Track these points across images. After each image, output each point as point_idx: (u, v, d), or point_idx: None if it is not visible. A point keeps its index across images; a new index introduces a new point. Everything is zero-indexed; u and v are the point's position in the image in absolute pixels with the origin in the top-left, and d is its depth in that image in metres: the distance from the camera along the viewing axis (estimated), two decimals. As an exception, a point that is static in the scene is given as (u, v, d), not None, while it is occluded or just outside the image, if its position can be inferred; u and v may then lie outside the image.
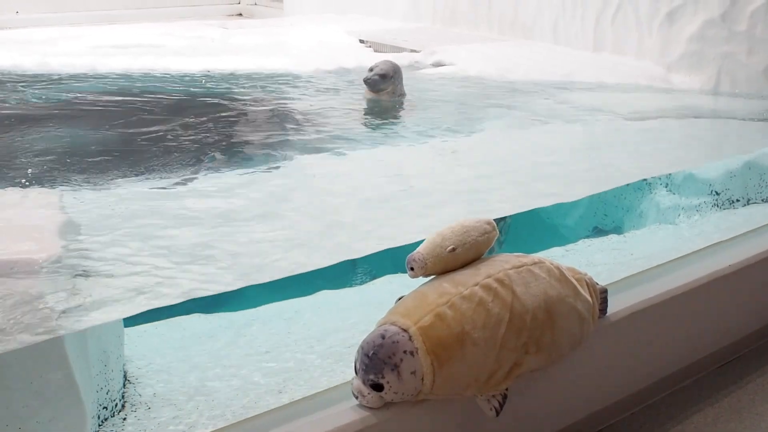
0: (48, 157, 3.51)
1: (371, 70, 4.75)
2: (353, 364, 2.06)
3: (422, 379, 1.99)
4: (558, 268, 2.31)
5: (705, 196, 3.92)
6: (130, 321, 2.47)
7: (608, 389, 2.73)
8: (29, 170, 3.27)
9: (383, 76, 4.68)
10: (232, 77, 5.39)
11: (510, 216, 3.62)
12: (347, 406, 2.06)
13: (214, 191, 3.14)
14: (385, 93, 4.72)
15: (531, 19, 6.78)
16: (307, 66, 5.68)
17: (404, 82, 4.85)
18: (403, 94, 4.82)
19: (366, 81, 4.71)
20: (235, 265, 2.43)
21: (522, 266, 2.22)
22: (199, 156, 3.64)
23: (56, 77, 5.25)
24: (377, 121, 4.67)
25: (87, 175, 3.22)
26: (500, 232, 3.67)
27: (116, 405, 2.21)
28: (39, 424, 1.93)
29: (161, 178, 3.23)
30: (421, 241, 2.19)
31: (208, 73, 5.42)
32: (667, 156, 3.96)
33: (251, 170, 3.49)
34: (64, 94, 4.83)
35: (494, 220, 2.28)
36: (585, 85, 5.28)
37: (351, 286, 3.23)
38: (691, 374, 3.02)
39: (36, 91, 4.88)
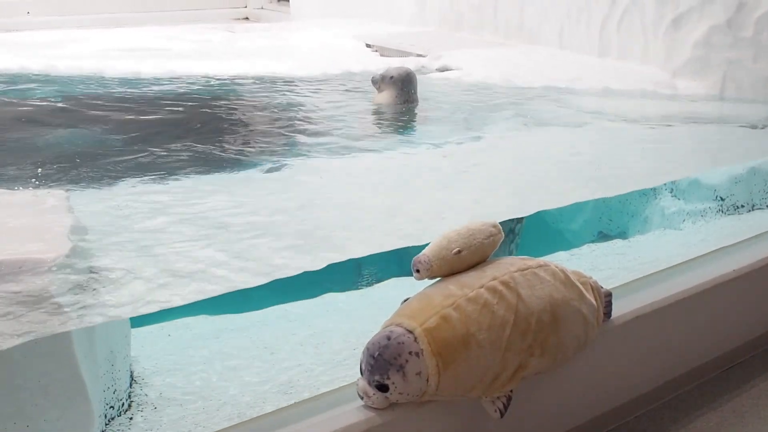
0: (56, 158, 3.54)
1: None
2: (359, 365, 2.07)
3: (427, 380, 2.00)
4: (563, 271, 2.33)
5: (710, 202, 3.93)
6: (137, 321, 2.49)
7: (612, 393, 2.73)
8: (38, 171, 3.29)
9: (383, 77, 4.73)
10: (238, 81, 5.42)
11: (522, 219, 3.63)
12: (352, 407, 2.07)
13: (217, 194, 3.15)
14: (394, 99, 4.70)
15: (537, 24, 6.79)
16: (313, 70, 5.71)
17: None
18: (414, 102, 4.79)
19: (372, 78, 4.84)
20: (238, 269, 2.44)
21: (527, 269, 2.23)
22: (206, 159, 3.67)
23: (63, 80, 5.28)
24: (379, 125, 4.67)
25: (95, 176, 3.24)
26: (516, 234, 3.69)
27: (123, 404, 2.22)
28: (46, 422, 1.94)
29: (168, 179, 3.25)
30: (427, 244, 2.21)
31: (215, 77, 5.45)
32: (668, 162, 3.96)
33: (255, 173, 3.51)
34: (71, 97, 4.86)
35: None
36: (590, 90, 5.29)
37: (356, 288, 3.24)
38: (694, 378, 3.02)
39: (43, 94, 4.90)
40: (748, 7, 5.13)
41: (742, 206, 3.92)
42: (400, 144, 4.15)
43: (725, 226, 3.73)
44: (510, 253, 3.65)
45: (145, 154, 3.71)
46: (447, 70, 5.90)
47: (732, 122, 4.77)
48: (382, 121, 4.70)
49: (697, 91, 5.34)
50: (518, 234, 3.84)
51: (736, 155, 4.15)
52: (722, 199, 3.91)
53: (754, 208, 3.95)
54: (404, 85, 4.73)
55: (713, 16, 5.29)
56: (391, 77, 4.74)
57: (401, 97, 4.71)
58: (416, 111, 4.76)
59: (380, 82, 4.76)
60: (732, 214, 3.90)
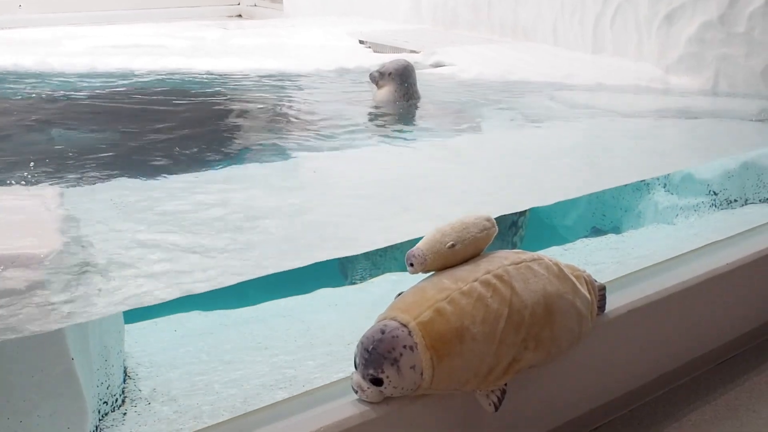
0: (49, 154, 3.53)
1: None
2: (353, 359, 2.07)
3: (422, 373, 2.01)
4: (557, 264, 2.33)
5: (703, 197, 3.94)
6: (131, 317, 2.48)
7: (606, 386, 2.74)
8: (30, 166, 3.28)
9: (381, 73, 4.69)
10: (232, 77, 5.41)
11: (526, 212, 3.63)
12: (347, 401, 2.08)
13: (217, 188, 3.15)
14: (394, 95, 4.65)
15: (531, 21, 6.80)
16: (307, 66, 5.70)
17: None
18: (415, 97, 4.73)
19: (370, 74, 4.77)
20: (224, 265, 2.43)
21: (521, 263, 2.23)
22: (200, 153, 3.66)
23: (56, 76, 5.27)
24: (371, 120, 4.65)
25: (88, 172, 3.23)
26: (519, 227, 3.69)
27: (116, 400, 2.21)
28: (40, 417, 1.94)
29: (161, 175, 3.24)
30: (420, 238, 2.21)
31: (209, 73, 5.43)
32: (662, 156, 3.97)
33: (254, 169, 3.51)
34: (64, 94, 4.85)
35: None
36: (584, 86, 5.29)
37: (351, 283, 3.24)
38: (688, 372, 3.04)
39: (36, 90, 4.89)
40: (741, 3, 5.13)
41: (735, 200, 3.94)
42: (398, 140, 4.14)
43: (718, 221, 3.74)
44: (513, 246, 3.65)
45: (140, 150, 3.70)
46: (440, 66, 5.89)
47: (725, 116, 4.77)
48: (382, 119, 4.67)
49: (690, 86, 5.35)
50: (521, 227, 3.84)
51: (727, 148, 4.16)
52: (715, 194, 3.92)
53: (747, 202, 3.96)
54: (403, 79, 4.65)
55: (706, 12, 5.29)
56: (390, 73, 4.68)
57: (401, 92, 4.65)
58: (417, 107, 4.71)
59: (378, 78, 4.70)
60: (725, 208, 3.91)
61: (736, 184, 3.93)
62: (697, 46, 5.37)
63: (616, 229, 4.07)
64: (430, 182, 3.43)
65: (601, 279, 2.63)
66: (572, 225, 4.27)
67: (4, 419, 1.90)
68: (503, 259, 2.22)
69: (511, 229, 3.64)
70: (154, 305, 2.17)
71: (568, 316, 2.27)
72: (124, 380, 2.32)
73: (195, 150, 3.75)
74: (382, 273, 3.30)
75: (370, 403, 2.05)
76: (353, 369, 2.08)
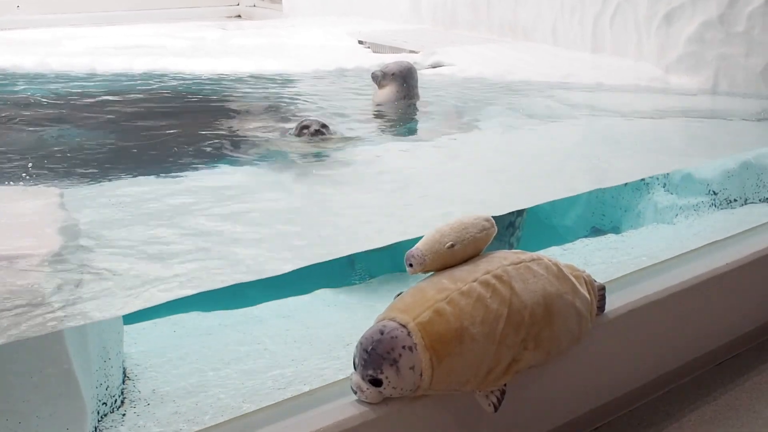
0: (48, 155, 3.53)
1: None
2: (352, 360, 2.06)
3: (421, 374, 2.00)
4: (556, 265, 2.33)
5: (702, 196, 3.93)
6: (130, 318, 2.48)
7: (606, 386, 2.74)
8: (29, 166, 3.29)
9: (384, 73, 4.68)
10: (232, 78, 5.41)
11: (523, 212, 3.63)
12: (346, 402, 2.07)
13: (213, 186, 3.15)
14: (395, 95, 4.64)
15: (530, 21, 6.80)
16: (307, 67, 5.71)
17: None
18: (415, 97, 4.71)
19: (372, 74, 4.76)
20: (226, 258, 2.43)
21: (520, 263, 2.23)
22: (199, 154, 3.66)
23: (56, 77, 5.27)
24: (367, 120, 4.65)
25: (87, 172, 3.23)
26: (516, 228, 3.69)
27: (116, 401, 2.21)
28: (39, 418, 1.93)
29: (161, 175, 3.24)
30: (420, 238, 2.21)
31: (209, 74, 5.44)
32: (662, 155, 3.97)
33: (252, 169, 3.50)
34: (63, 94, 4.85)
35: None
36: (584, 86, 5.29)
37: (349, 284, 3.24)
38: (688, 372, 3.03)
39: (35, 91, 4.89)
40: (740, 3, 5.13)
41: (735, 200, 3.93)
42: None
43: (718, 221, 3.73)
44: (510, 247, 3.64)
45: (139, 150, 3.70)
46: (439, 66, 5.89)
47: (725, 116, 4.77)
48: (387, 119, 4.66)
49: (690, 86, 5.35)
50: (519, 227, 3.83)
51: (727, 148, 4.15)
52: (715, 194, 3.92)
53: (747, 202, 3.96)
54: (406, 81, 4.65)
55: (705, 12, 5.29)
56: (393, 74, 4.67)
57: (402, 92, 4.64)
58: (418, 108, 4.71)
59: (381, 78, 4.69)
60: (725, 208, 3.90)
61: (736, 183, 3.93)
62: (696, 46, 5.37)
63: (616, 229, 4.06)
64: (430, 182, 3.43)
65: (601, 279, 2.63)
66: (572, 225, 4.26)
67: (3, 420, 1.90)
68: (502, 259, 2.22)
69: (509, 229, 3.63)
70: (153, 306, 2.18)
71: (567, 317, 2.27)
72: (123, 381, 2.32)
73: (195, 150, 3.74)
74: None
75: (370, 403, 2.05)
76: (353, 369, 2.08)
